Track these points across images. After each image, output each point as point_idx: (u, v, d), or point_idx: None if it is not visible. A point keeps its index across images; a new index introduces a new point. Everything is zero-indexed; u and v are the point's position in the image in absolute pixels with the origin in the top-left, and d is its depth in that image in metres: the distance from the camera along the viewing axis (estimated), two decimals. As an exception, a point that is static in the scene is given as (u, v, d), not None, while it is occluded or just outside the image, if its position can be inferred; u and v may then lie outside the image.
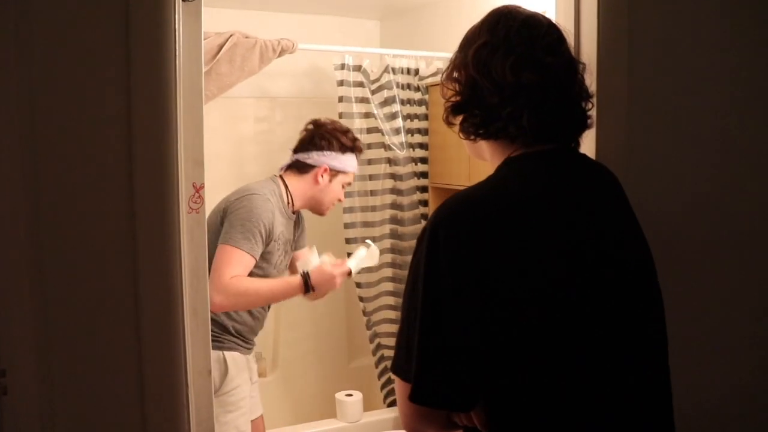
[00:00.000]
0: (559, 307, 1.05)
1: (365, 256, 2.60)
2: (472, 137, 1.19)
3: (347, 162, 2.57)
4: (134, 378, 1.14)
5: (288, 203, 2.53)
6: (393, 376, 1.13)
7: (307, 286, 2.36)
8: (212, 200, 2.28)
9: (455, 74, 1.20)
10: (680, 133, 1.69)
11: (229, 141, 3.61)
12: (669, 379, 1.16)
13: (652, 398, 1.14)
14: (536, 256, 1.05)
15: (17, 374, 1.06)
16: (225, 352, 2.37)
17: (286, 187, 2.54)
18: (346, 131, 2.61)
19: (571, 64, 1.17)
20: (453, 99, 1.19)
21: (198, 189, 1.26)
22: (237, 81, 2.97)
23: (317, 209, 2.63)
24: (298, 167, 2.56)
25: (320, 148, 2.53)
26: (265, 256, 2.39)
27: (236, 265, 2.26)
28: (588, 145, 1.44)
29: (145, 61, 1.13)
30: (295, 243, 2.68)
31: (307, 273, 2.37)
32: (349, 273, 2.49)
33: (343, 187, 2.61)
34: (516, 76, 1.10)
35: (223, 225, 2.34)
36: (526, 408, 1.06)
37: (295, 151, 2.59)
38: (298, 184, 2.55)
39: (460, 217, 1.07)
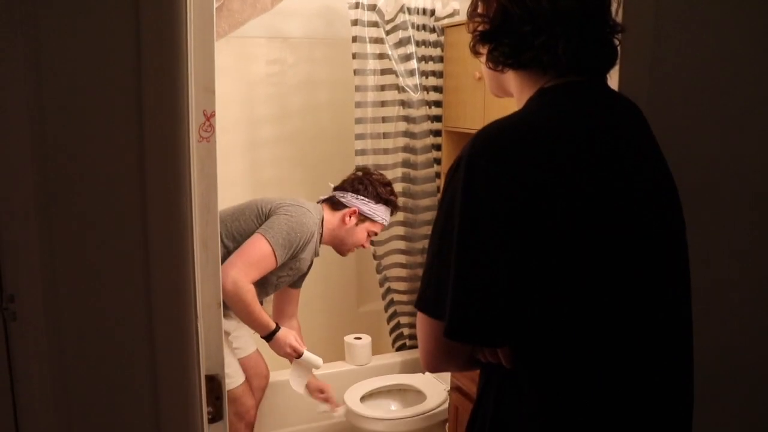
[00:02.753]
0: (593, 239, 1.02)
1: (312, 362, 2.73)
2: (500, 67, 1.14)
3: (377, 211, 2.71)
4: (142, 307, 1.13)
5: (320, 234, 2.66)
6: (418, 313, 1.10)
7: (271, 336, 2.57)
8: (222, 142, 2.27)
9: (482, 4, 1.15)
10: (707, 73, 1.64)
11: (240, 82, 3.56)
12: (691, 318, 1.15)
13: (677, 341, 1.13)
14: (576, 188, 1.02)
15: (26, 300, 1.05)
16: None
17: (322, 219, 2.67)
18: (387, 184, 2.76)
19: None
20: (481, 28, 1.14)
21: (209, 117, 1.23)
22: (248, 18, 2.89)
23: (339, 248, 2.78)
24: (333, 203, 2.71)
25: (356, 191, 2.69)
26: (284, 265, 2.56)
27: (264, 267, 2.46)
28: (611, 80, 1.40)
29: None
30: (300, 279, 2.84)
31: (278, 328, 2.58)
32: (299, 356, 2.66)
33: (369, 235, 2.74)
34: (552, 3, 1.05)
35: (268, 216, 2.52)
36: (555, 343, 1.04)
37: (336, 188, 2.74)
38: (328, 219, 2.69)
39: (500, 145, 1.02)
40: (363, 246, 2.77)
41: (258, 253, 2.43)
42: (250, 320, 2.53)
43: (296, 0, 3.09)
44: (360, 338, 3.34)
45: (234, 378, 2.59)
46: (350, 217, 2.67)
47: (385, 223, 2.77)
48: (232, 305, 2.44)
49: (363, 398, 2.98)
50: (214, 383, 1.30)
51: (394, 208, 2.79)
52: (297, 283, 2.85)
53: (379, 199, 2.70)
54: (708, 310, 1.42)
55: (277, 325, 2.59)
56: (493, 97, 1.29)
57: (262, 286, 2.59)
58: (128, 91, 1.09)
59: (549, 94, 1.10)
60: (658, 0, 1.53)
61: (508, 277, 0.99)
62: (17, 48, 1.01)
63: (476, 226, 1.00)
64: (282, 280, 2.67)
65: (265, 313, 2.56)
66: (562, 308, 1.02)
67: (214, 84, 1.24)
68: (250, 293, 2.43)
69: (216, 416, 1.30)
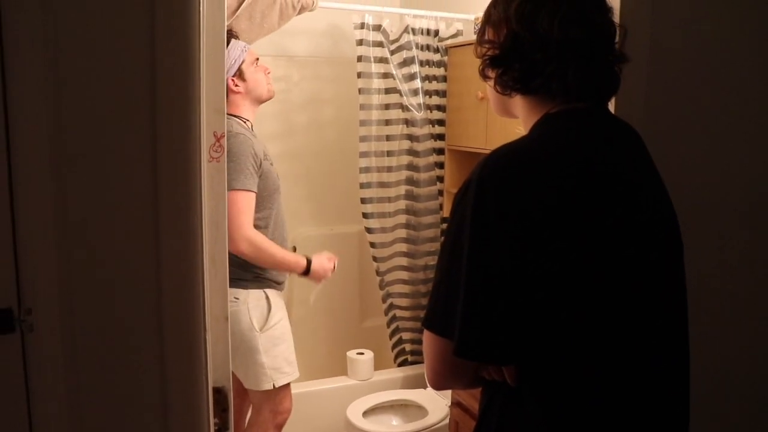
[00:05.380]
0: (598, 261, 1.05)
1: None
2: (509, 92, 1.17)
3: (235, 54, 2.48)
4: (153, 321, 1.16)
5: (246, 124, 2.52)
6: (425, 332, 1.12)
7: (308, 268, 2.60)
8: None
9: (492, 30, 1.19)
10: (701, 97, 1.68)
11: (246, 99, 3.60)
12: (688, 337, 1.17)
13: (676, 361, 1.15)
14: (581, 211, 1.05)
15: (42, 313, 1.09)
16: (266, 290, 2.52)
17: (232, 116, 2.51)
18: None
19: (614, 25, 1.16)
20: (490, 53, 1.18)
21: (219, 138, 1.27)
22: (256, 38, 2.96)
23: (263, 101, 2.61)
24: None
25: None
26: (266, 176, 2.47)
27: (247, 208, 2.38)
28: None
29: (169, 12, 1.13)
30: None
31: (310, 260, 2.58)
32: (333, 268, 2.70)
33: (254, 64, 2.54)
34: (564, 32, 1.08)
35: None
36: (559, 361, 1.06)
37: None
38: (233, 107, 2.51)
39: (509, 168, 1.05)
40: (268, 73, 2.59)
41: (238, 206, 2.34)
42: (279, 263, 2.51)
43: (302, 19, 3.14)
44: (362, 353, 3.36)
45: (293, 369, 2.62)
46: (237, 85, 2.49)
47: (248, 48, 2.53)
48: (259, 258, 2.43)
49: (365, 413, 3.00)
50: (221, 395, 1.33)
51: (234, 34, 2.55)
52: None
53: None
54: (707, 322, 1.44)
55: (307, 259, 2.59)
56: (495, 116, 1.33)
57: (279, 227, 2.58)
58: (143, 113, 1.13)
59: (554, 120, 1.14)
60: (653, 27, 1.57)
61: (516, 296, 1.02)
62: (38, 70, 1.05)
63: (485, 247, 1.02)
64: (277, 177, 2.58)
65: (287, 251, 2.56)
66: (567, 327, 1.05)
67: (225, 106, 1.28)
68: (258, 236, 2.40)
69: (222, 428, 1.33)
